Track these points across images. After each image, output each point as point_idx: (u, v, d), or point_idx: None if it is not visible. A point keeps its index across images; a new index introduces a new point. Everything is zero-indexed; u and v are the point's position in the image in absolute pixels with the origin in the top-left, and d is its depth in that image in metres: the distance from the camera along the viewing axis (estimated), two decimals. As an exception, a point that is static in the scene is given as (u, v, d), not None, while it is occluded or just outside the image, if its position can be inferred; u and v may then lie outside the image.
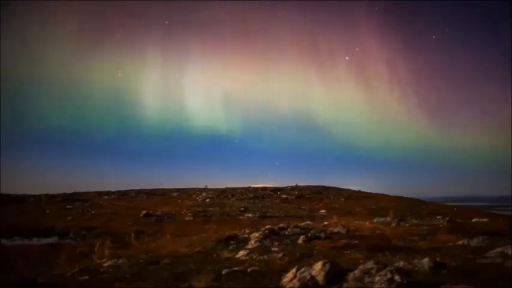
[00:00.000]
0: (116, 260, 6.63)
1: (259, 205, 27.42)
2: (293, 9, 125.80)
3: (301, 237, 8.32)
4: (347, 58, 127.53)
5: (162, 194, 35.71)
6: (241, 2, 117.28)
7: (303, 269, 4.43)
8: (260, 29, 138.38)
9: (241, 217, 19.85)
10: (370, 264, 4.36)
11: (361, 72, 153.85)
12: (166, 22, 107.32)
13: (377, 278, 3.98)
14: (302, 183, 42.98)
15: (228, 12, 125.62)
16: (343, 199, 32.08)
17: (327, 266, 4.34)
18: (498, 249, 5.67)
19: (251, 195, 33.71)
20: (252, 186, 42.01)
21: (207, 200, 30.08)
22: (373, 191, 39.12)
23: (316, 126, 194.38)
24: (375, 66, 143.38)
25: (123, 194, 35.39)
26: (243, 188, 40.57)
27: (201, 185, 42.18)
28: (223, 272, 5.01)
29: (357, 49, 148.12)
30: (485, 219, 13.54)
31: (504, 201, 71.91)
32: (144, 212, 20.26)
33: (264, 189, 39.56)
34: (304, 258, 5.92)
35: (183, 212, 21.43)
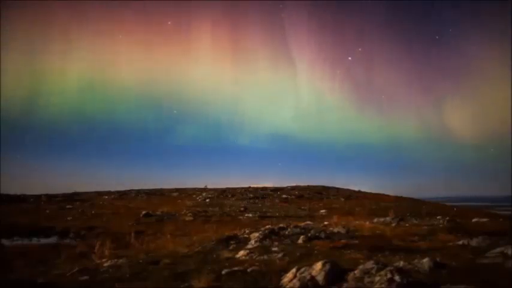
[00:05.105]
0: (116, 260, 6.63)
1: (259, 205, 27.42)
2: (295, 9, 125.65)
3: (301, 237, 8.32)
4: (349, 58, 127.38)
5: (162, 194, 35.71)
6: (243, 2, 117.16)
7: (303, 269, 4.43)
8: (261, 30, 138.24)
9: (241, 217, 19.86)
10: (370, 264, 4.36)
11: (363, 73, 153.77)
12: (169, 23, 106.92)
13: (377, 278, 3.98)
14: (302, 183, 43.06)
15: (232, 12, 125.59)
16: (343, 199, 32.11)
17: (327, 266, 4.35)
18: (498, 249, 5.66)
19: (251, 195, 33.71)
20: (252, 186, 42.03)
21: (207, 200, 30.07)
22: (373, 191, 39.24)
23: (316, 125, 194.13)
24: (378, 66, 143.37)
25: (123, 194, 35.37)
26: (243, 188, 40.55)
27: (201, 185, 42.18)
28: (223, 272, 5.02)
29: (360, 49, 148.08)
30: (485, 219, 13.54)
31: (504, 201, 71.87)
32: (144, 212, 20.25)
33: (264, 189, 39.55)
34: (304, 258, 5.92)
35: (183, 212, 21.42)
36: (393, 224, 11.95)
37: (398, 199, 33.50)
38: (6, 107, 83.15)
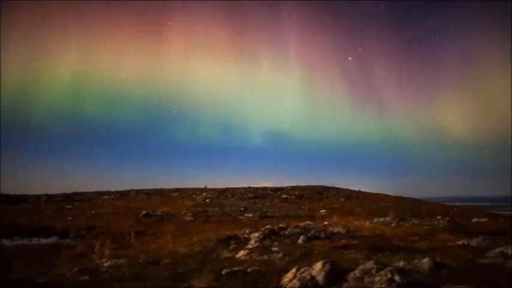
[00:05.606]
0: (116, 260, 6.63)
1: (259, 205, 27.42)
2: (296, 9, 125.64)
3: (301, 237, 8.32)
4: (350, 58, 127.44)
5: (162, 194, 35.72)
6: (243, 2, 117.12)
7: (303, 269, 4.44)
8: (261, 30, 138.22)
9: (241, 217, 19.86)
10: (370, 264, 4.36)
11: (363, 73, 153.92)
12: (170, 23, 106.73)
13: (377, 278, 3.98)
14: (302, 183, 43.04)
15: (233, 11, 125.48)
16: (343, 199, 32.10)
17: (327, 266, 4.35)
18: (498, 249, 5.66)
19: (251, 195, 33.70)
20: (252, 186, 42.00)
21: (207, 200, 30.07)
22: (373, 191, 39.22)
23: (316, 125, 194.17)
24: (378, 66, 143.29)
25: (123, 194, 35.37)
26: (243, 188, 40.53)
27: (201, 185, 42.16)
28: (223, 272, 5.02)
29: (360, 49, 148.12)
30: (485, 219, 13.54)
31: (504, 201, 71.86)
32: (144, 212, 20.25)
33: (264, 189, 39.53)
34: (304, 258, 5.92)
35: (183, 212, 21.42)
36: (393, 224, 11.94)
37: (398, 199, 33.49)
38: (6, 107, 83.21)
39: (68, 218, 19.07)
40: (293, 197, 33.21)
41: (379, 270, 4.14)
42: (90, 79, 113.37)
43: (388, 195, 36.26)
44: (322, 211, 22.84)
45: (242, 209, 23.92)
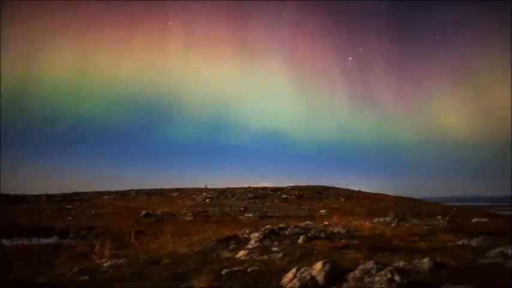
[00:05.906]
0: (116, 260, 6.63)
1: (259, 205, 27.42)
2: (296, 9, 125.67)
3: (301, 237, 8.32)
4: (350, 58, 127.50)
5: (162, 194, 35.72)
6: (243, 1, 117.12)
7: (303, 269, 4.44)
8: (261, 30, 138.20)
9: (241, 217, 19.86)
10: (370, 264, 4.36)
11: (363, 73, 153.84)
12: (170, 23, 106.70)
13: (377, 278, 3.98)
14: (302, 183, 43.04)
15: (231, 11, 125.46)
16: (343, 199, 32.10)
17: (327, 266, 4.35)
18: (498, 249, 5.66)
19: (251, 195, 33.71)
20: (252, 186, 42.02)
21: (207, 200, 30.07)
22: (373, 191, 39.23)
23: (316, 125, 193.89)
24: (378, 66, 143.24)
25: (123, 194, 35.38)
26: (243, 188, 40.55)
27: (201, 185, 42.20)
28: (223, 272, 5.02)
29: (360, 49, 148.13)
30: (485, 219, 13.54)
31: (504, 201, 71.88)
32: (144, 212, 20.25)
33: (264, 189, 39.55)
34: (304, 258, 5.92)
35: (183, 212, 21.43)
36: (393, 224, 11.94)
37: (398, 199, 33.51)
38: (6, 106, 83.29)
39: (68, 218, 19.07)
40: (293, 197, 33.21)
41: (379, 270, 4.14)
42: (89, 79, 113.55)
43: (388, 195, 36.28)
44: (322, 211, 22.84)
45: (242, 209, 23.92)
